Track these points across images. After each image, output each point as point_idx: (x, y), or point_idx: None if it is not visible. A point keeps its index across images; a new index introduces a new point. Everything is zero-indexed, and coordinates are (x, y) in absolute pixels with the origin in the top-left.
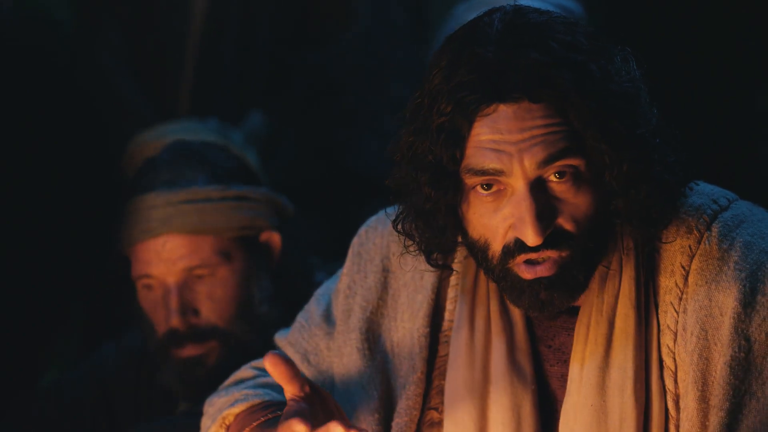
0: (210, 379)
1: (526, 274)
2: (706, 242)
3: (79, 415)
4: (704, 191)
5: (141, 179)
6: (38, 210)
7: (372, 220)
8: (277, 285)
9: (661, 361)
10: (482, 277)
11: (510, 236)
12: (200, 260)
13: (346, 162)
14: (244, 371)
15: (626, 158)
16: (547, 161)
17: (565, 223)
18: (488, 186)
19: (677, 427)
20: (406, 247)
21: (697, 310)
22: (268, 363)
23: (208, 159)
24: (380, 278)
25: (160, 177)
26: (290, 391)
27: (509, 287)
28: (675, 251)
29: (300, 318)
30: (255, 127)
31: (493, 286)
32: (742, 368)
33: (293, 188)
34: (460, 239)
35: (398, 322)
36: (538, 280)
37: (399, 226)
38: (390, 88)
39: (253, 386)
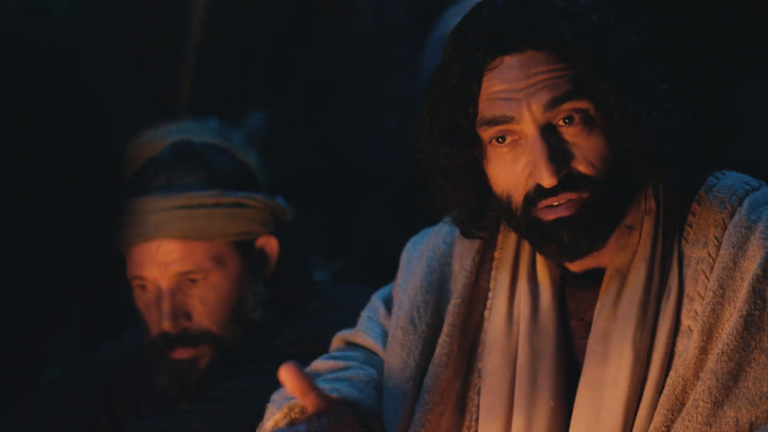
0: (201, 382)
1: (548, 215)
2: (737, 215)
3: (79, 414)
4: (736, 175)
5: (140, 180)
6: (38, 207)
7: (417, 235)
8: (272, 290)
9: (678, 323)
10: (520, 253)
11: (530, 184)
12: (193, 265)
13: (346, 157)
14: (320, 363)
15: (631, 97)
16: (553, 103)
17: (581, 167)
18: (503, 138)
19: None
20: (443, 219)
21: (720, 270)
22: (284, 373)
23: (209, 161)
24: (426, 266)
25: (157, 179)
26: (308, 404)
27: (535, 235)
28: (708, 224)
29: (365, 313)
30: (255, 128)
31: (526, 260)
32: (756, 325)
33: (293, 183)
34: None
35: (443, 301)
36: (559, 221)
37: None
38: (390, 84)
39: (324, 381)
